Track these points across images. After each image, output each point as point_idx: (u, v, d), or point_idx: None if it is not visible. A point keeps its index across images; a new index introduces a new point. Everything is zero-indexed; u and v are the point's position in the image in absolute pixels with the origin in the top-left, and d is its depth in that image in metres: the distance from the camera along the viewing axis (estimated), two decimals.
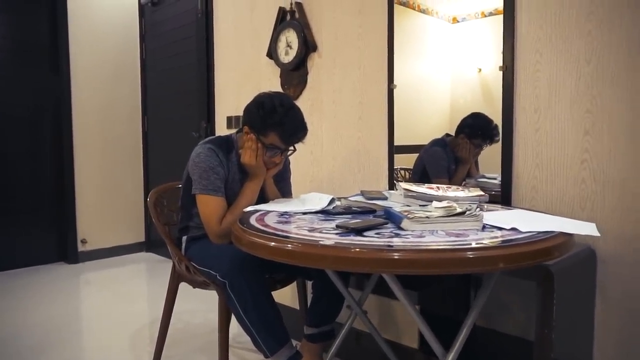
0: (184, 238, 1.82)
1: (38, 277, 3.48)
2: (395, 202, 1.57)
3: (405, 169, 2.36)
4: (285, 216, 1.44)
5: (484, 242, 1.04)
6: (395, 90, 2.26)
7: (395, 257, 0.95)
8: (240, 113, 3.07)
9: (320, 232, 1.17)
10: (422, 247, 1.00)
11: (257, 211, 1.52)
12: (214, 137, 1.80)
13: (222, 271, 1.51)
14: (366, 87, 2.38)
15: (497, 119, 1.91)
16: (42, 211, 3.75)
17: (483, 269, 0.97)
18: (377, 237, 1.10)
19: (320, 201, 1.57)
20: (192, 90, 3.53)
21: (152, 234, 4.09)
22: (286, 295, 2.32)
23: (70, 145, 3.77)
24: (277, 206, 1.57)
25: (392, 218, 1.28)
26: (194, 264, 1.71)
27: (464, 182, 2.17)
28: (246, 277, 1.48)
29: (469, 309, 1.85)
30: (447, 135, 2.15)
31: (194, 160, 1.71)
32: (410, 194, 1.54)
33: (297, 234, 1.15)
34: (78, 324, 2.66)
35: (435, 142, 2.22)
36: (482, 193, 1.61)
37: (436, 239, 1.07)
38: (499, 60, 1.87)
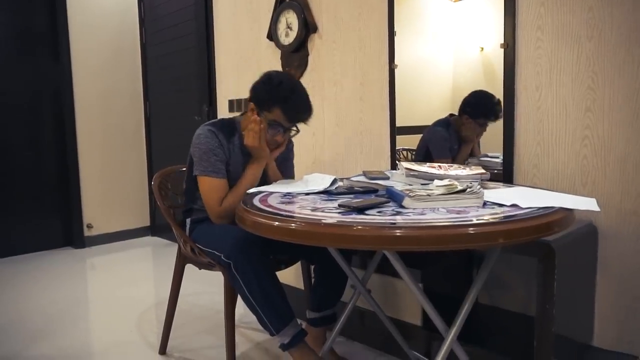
0: (188, 220, 1.83)
1: (45, 262, 3.52)
2: (397, 181, 1.58)
3: (407, 150, 2.36)
4: (288, 197, 1.45)
5: (484, 218, 1.05)
6: (396, 70, 2.25)
7: (397, 233, 0.97)
8: (242, 96, 3.09)
9: (323, 211, 1.19)
10: (423, 223, 1.02)
11: (260, 192, 1.53)
12: (217, 119, 1.81)
13: (226, 251, 1.53)
14: (367, 68, 2.37)
15: (499, 97, 1.89)
16: (47, 197, 3.79)
17: (483, 244, 0.98)
18: (379, 215, 1.11)
19: (322, 181, 1.58)
20: (193, 74, 3.53)
21: (157, 218, 4.12)
22: (290, 276, 2.35)
23: (73, 130, 3.78)
24: (280, 187, 1.58)
25: (393, 197, 1.29)
26: (198, 246, 1.73)
27: (466, 162, 2.18)
28: (250, 257, 1.50)
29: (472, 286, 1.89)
30: (451, 115, 2.14)
31: (195, 142, 1.72)
32: (412, 173, 1.54)
33: (299, 213, 1.17)
34: (85, 308, 2.70)
35: (438, 123, 2.21)
36: (483, 171, 1.62)
37: (437, 216, 1.08)
38: (501, 39, 1.86)
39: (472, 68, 2.08)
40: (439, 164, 1.70)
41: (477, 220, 1.02)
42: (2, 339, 2.25)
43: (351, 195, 1.45)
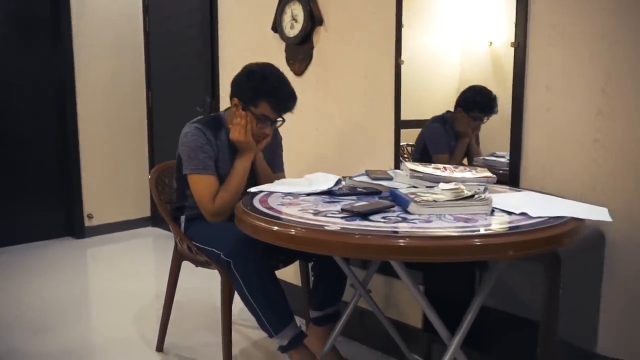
0: (182, 218, 1.80)
1: (45, 252, 3.50)
2: (401, 182, 1.54)
3: (411, 146, 2.33)
4: (289, 197, 1.41)
5: (493, 228, 1.01)
6: (402, 65, 2.20)
7: (402, 244, 0.93)
8: None
9: (325, 215, 1.15)
10: (429, 233, 0.98)
11: (260, 192, 1.50)
12: (201, 116, 1.78)
13: (225, 250, 1.50)
14: (373, 62, 2.32)
15: (507, 94, 1.84)
16: (48, 187, 3.76)
17: (492, 256, 0.95)
18: (384, 222, 1.07)
19: (326, 181, 1.54)
20: (197, 65, 3.48)
21: (158, 209, 4.08)
22: (289, 273, 2.32)
23: (75, 119, 3.74)
24: (281, 187, 1.55)
25: (398, 201, 1.25)
26: (196, 244, 1.70)
27: (474, 161, 2.15)
28: (250, 256, 1.46)
29: (474, 289, 1.85)
30: (448, 111, 2.11)
31: (182, 141, 1.70)
32: (416, 174, 1.50)
33: (301, 217, 1.13)
34: (85, 302, 2.69)
35: (435, 119, 2.19)
36: (489, 174, 1.58)
37: (444, 224, 1.04)
38: (510, 34, 1.80)
39: (480, 63, 2.04)
40: (444, 165, 1.65)
41: (485, 230, 0.99)
42: (1, 332, 2.23)
43: (354, 197, 1.41)
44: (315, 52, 2.61)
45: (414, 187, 1.49)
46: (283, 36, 2.72)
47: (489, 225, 1.03)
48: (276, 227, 1.08)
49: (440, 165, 1.64)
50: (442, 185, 1.39)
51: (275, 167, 1.87)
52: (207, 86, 3.35)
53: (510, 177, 1.86)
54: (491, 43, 2.00)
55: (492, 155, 2.21)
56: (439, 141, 2.18)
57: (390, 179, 1.61)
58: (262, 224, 1.13)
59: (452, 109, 2.08)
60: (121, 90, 3.97)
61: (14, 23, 3.52)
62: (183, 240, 1.74)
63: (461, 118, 2.05)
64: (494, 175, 1.58)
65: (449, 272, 1.96)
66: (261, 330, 1.55)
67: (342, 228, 1.01)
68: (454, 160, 2.21)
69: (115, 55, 3.91)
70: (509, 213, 1.15)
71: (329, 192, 1.46)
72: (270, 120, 1.69)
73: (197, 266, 1.81)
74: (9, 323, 2.32)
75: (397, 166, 2.27)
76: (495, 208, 1.18)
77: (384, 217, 1.12)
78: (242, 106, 1.66)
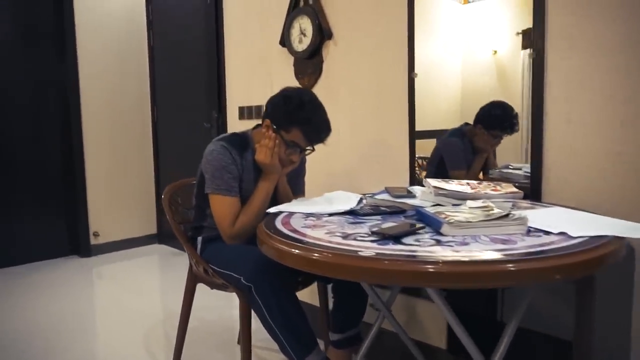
0: (199, 239, 1.75)
1: (50, 271, 3.44)
2: (425, 200, 1.50)
3: (422, 158, 2.29)
4: (312, 218, 1.37)
5: (535, 250, 0.96)
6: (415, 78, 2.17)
7: (445, 270, 0.88)
8: (253, 103, 3.02)
9: (355, 238, 1.10)
10: (472, 258, 0.93)
11: (280, 212, 1.45)
12: (228, 134, 1.73)
13: (246, 274, 1.45)
14: (385, 76, 2.29)
15: (514, 103, 1.81)
16: (52, 204, 3.71)
17: (538, 281, 0.90)
18: (418, 245, 1.03)
19: (347, 201, 1.49)
20: (202, 79, 3.45)
21: (164, 226, 4.04)
22: (304, 292, 2.27)
23: (80, 134, 3.70)
24: (302, 207, 1.50)
25: (427, 221, 1.20)
26: (212, 267, 1.65)
27: (489, 174, 2.11)
28: (272, 280, 1.41)
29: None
30: (466, 124, 2.07)
31: (207, 158, 1.65)
32: (441, 192, 1.46)
33: (330, 241, 1.08)
34: (92, 323, 2.63)
35: (453, 133, 2.15)
36: (515, 190, 1.54)
37: (483, 246, 0.99)
38: (515, 42, 1.77)
39: (484, 72, 2.01)
40: (467, 181, 1.61)
41: (529, 254, 0.94)
42: (5, 356, 2.17)
43: (378, 217, 1.36)
44: (324, 66, 2.58)
45: (439, 205, 1.45)
46: (291, 50, 2.69)
47: (531, 247, 0.98)
48: (305, 253, 1.04)
49: (464, 181, 1.60)
50: (469, 203, 1.34)
51: (296, 190, 1.83)
52: (214, 101, 3.31)
53: (531, 191, 1.82)
54: (495, 52, 1.97)
55: (507, 167, 2.18)
56: (457, 156, 2.15)
57: (413, 196, 1.56)
58: (289, 248, 1.08)
59: (453, 119, 2.06)
60: (126, 105, 3.94)
61: (18, 37, 3.50)
62: (199, 262, 1.68)
63: (481, 135, 2.01)
64: (520, 191, 1.53)
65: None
66: (278, 352, 1.50)
67: (377, 254, 0.96)
68: (471, 175, 2.17)
69: (120, 70, 3.89)
70: (547, 233, 1.10)
71: (351, 212, 1.42)
72: (300, 148, 1.64)
73: (212, 288, 1.76)
74: (15, 345, 2.27)
75: (412, 182, 2.23)
76: (531, 227, 1.13)
77: (416, 240, 1.07)
78: (273, 129, 1.62)
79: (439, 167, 2.26)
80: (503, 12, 1.84)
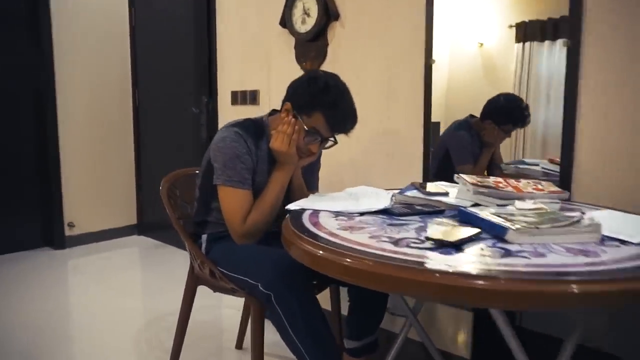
0: (204, 237, 1.57)
1: (22, 265, 3.18)
2: (463, 199, 1.35)
3: None
4: (342, 217, 1.20)
5: (629, 265, 0.83)
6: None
7: (537, 288, 0.73)
8: (248, 87, 2.82)
9: (408, 245, 0.95)
10: (558, 271, 0.79)
11: (303, 210, 1.28)
12: (242, 119, 1.54)
13: (264, 281, 1.27)
14: (397, 62, 2.14)
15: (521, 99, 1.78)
16: (25, 193, 3.42)
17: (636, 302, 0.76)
18: (489, 256, 0.88)
19: (378, 198, 1.34)
20: (191, 61, 3.21)
21: (145, 216, 3.80)
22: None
23: (55, 121, 3.41)
24: (325, 203, 1.33)
25: (482, 224, 1.05)
26: (222, 270, 1.46)
27: (502, 169, 1.99)
28: (294, 287, 1.25)
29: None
30: (471, 116, 1.98)
31: (218, 145, 1.45)
32: (481, 190, 1.32)
33: (381, 249, 0.92)
34: (69, 323, 2.39)
35: (460, 125, 2.05)
36: (558, 189, 1.41)
37: (565, 259, 0.85)
38: (507, 35, 1.72)
39: (470, 64, 1.96)
40: (503, 177, 1.47)
41: (624, 270, 0.80)
42: None
43: (417, 217, 1.21)
44: (329, 49, 2.41)
45: (478, 204, 1.31)
46: (293, 31, 2.50)
47: (620, 262, 0.84)
48: (357, 263, 0.87)
49: (499, 179, 1.46)
50: (518, 204, 1.20)
51: (311, 187, 1.66)
52: (204, 85, 3.09)
53: (561, 187, 1.71)
54: (482, 44, 1.92)
55: (521, 162, 2.08)
56: (464, 150, 2.06)
57: (446, 194, 1.42)
58: (333, 256, 0.92)
59: (438, 111, 1.99)
60: (105, 89, 3.66)
61: None
62: (205, 264, 1.50)
63: (490, 130, 1.93)
64: (565, 191, 1.41)
65: None
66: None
67: (449, 266, 0.81)
68: (477, 169, 2.07)
69: (98, 52, 3.61)
70: (623, 242, 0.97)
71: (384, 211, 1.26)
72: (321, 136, 1.47)
73: (215, 292, 1.58)
74: None
75: (426, 176, 2.10)
76: (603, 235, 1.00)
77: (481, 249, 0.92)
78: (294, 113, 1.44)
79: (444, 160, 2.15)
80: (491, 5, 1.77)
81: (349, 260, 0.89)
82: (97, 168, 3.66)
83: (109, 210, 3.73)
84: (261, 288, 1.27)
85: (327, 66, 2.41)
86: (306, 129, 1.43)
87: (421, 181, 2.08)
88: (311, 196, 1.46)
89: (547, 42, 1.76)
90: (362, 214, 1.24)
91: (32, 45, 3.34)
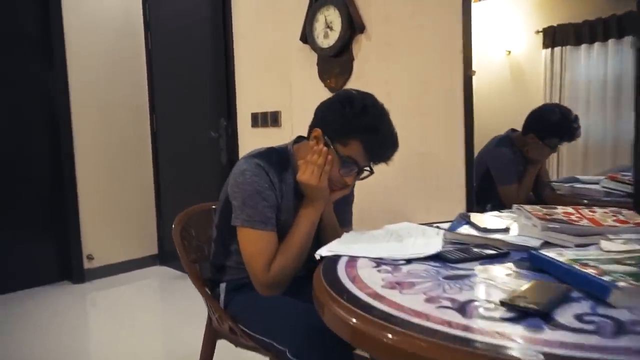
0: (222, 286, 1.36)
1: (40, 300, 3.04)
2: (528, 236, 1.12)
3: None
4: (386, 266, 0.99)
5: None
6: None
7: None
8: (267, 108, 2.64)
9: (480, 315, 0.73)
10: None
11: (337, 257, 1.07)
12: (264, 149, 1.34)
13: (294, 347, 1.06)
14: (431, 75, 1.93)
15: (534, 105, 1.67)
16: (41, 225, 3.30)
17: None
18: (594, 332, 0.65)
19: (426, 238, 1.12)
20: (208, 84, 3.06)
21: (167, 245, 3.65)
22: None
23: (71, 149, 3.29)
24: (361, 246, 1.12)
25: (570, 277, 0.82)
26: (243, 328, 1.25)
27: (555, 189, 1.81)
28: (329, 355, 1.03)
29: None
30: (513, 130, 1.83)
31: (237, 180, 1.25)
32: (551, 225, 1.08)
33: (446, 322, 0.70)
34: None
35: (501, 141, 1.88)
36: None
37: None
38: (534, 40, 1.64)
39: (497, 73, 1.86)
40: (574, 207, 1.24)
41: None
42: None
43: (477, 264, 0.99)
44: (355, 65, 2.22)
45: (548, 242, 1.08)
46: (315, 47, 2.33)
47: None
48: (414, 346, 0.66)
49: (569, 208, 1.22)
50: (605, 245, 0.97)
51: (344, 222, 1.44)
52: (222, 107, 2.94)
53: (636, 209, 1.46)
54: (509, 52, 1.82)
55: (574, 180, 1.86)
56: (508, 169, 1.87)
57: (507, 229, 1.19)
58: (376, 330, 0.71)
59: (507, 130, 1.83)
60: (122, 115, 3.54)
61: None
62: (224, 319, 1.29)
63: (534, 144, 1.76)
64: None
65: None
66: None
67: (547, 354, 0.58)
68: (523, 190, 1.86)
69: (115, 75, 3.49)
70: None
71: (437, 256, 1.04)
72: (358, 166, 1.26)
73: (237, 346, 1.38)
74: None
75: (470, 204, 1.87)
76: None
77: (577, 318, 0.70)
78: (325, 141, 1.24)
79: (484, 181, 1.95)
80: (516, 11, 1.69)
81: (403, 340, 0.68)
82: (116, 197, 3.52)
83: (129, 240, 3.58)
84: (289, 355, 1.06)
85: (353, 83, 2.22)
86: (341, 157, 1.23)
87: (466, 210, 1.86)
88: (345, 235, 1.24)
89: (583, 46, 1.63)
90: (409, 260, 1.02)
91: (46, 68, 3.24)
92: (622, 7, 1.51)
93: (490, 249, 1.06)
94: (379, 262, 1.03)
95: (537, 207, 1.21)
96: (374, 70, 2.14)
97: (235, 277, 1.34)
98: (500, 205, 1.74)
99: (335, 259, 1.06)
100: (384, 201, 2.08)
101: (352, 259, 1.05)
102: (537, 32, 1.70)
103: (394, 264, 1.01)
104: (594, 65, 1.63)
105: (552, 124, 1.78)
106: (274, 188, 1.25)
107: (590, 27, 1.59)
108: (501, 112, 1.91)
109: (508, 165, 1.86)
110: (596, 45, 1.60)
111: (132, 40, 3.57)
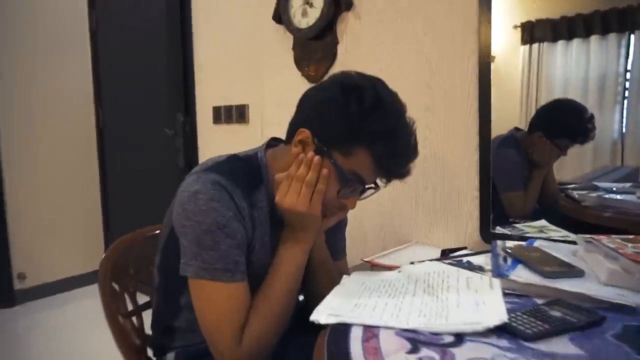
0: (171, 356, 0.95)
1: None
2: (618, 286, 0.77)
3: None
4: (424, 347, 0.62)
5: None
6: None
7: None
8: (235, 102, 2.26)
9: None
10: None
11: (344, 325, 0.69)
12: (224, 157, 0.92)
13: None
14: (438, 62, 1.61)
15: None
16: None
17: None
18: None
19: (475, 294, 0.75)
20: (162, 72, 2.65)
21: None
22: None
23: None
24: (374, 305, 0.74)
25: None
26: None
27: (579, 200, 1.54)
28: None
29: None
30: (517, 129, 1.61)
31: (185, 209, 0.83)
32: None
33: None
34: None
35: (505, 142, 1.66)
36: None
37: None
38: (512, 36, 1.50)
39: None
40: (634, 236, 0.91)
41: None
42: None
43: (565, 337, 0.63)
44: (340, 49, 1.89)
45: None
46: (291, 28, 1.99)
47: None
48: None
49: (628, 239, 0.88)
50: None
51: (336, 252, 1.06)
52: (178, 100, 2.55)
53: None
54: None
55: (594, 188, 1.63)
56: (513, 174, 1.68)
57: (581, 274, 0.84)
58: None
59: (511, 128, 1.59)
60: (61, 107, 3.09)
61: None
62: None
63: (541, 146, 1.58)
64: None
65: None
66: None
67: None
68: (529, 199, 1.66)
69: (53, 64, 3.04)
70: None
71: (502, 328, 0.67)
72: (363, 183, 0.88)
73: None
74: None
75: (485, 218, 1.55)
76: None
77: None
78: (316, 147, 0.85)
79: None
80: (494, 5, 1.50)
81: None
82: (53, 204, 3.08)
83: (69, 255, 3.14)
84: None
85: (337, 70, 1.84)
86: (342, 172, 0.84)
87: (479, 229, 1.55)
88: (346, 282, 0.86)
89: (560, 42, 1.50)
90: (458, 335, 0.66)
91: None
92: (606, 3, 1.39)
93: (575, 311, 0.70)
94: (412, 336, 0.66)
95: (617, 239, 0.87)
96: (363, 56, 1.80)
97: (189, 344, 0.93)
98: (503, 215, 1.56)
99: (344, 329, 0.68)
100: (380, 212, 1.73)
101: (372, 332, 0.67)
102: (515, 27, 1.52)
103: (437, 341, 0.64)
104: (574, 63, 1.51)
105: (563, 121, 1.58)
106: (242, 217, 0.84)
107: (568, 23, 1.47)
108: None
109: (512, 169, 1.66)
110: (574, 41, 1.47)
111: (73, 21, 3.13)
